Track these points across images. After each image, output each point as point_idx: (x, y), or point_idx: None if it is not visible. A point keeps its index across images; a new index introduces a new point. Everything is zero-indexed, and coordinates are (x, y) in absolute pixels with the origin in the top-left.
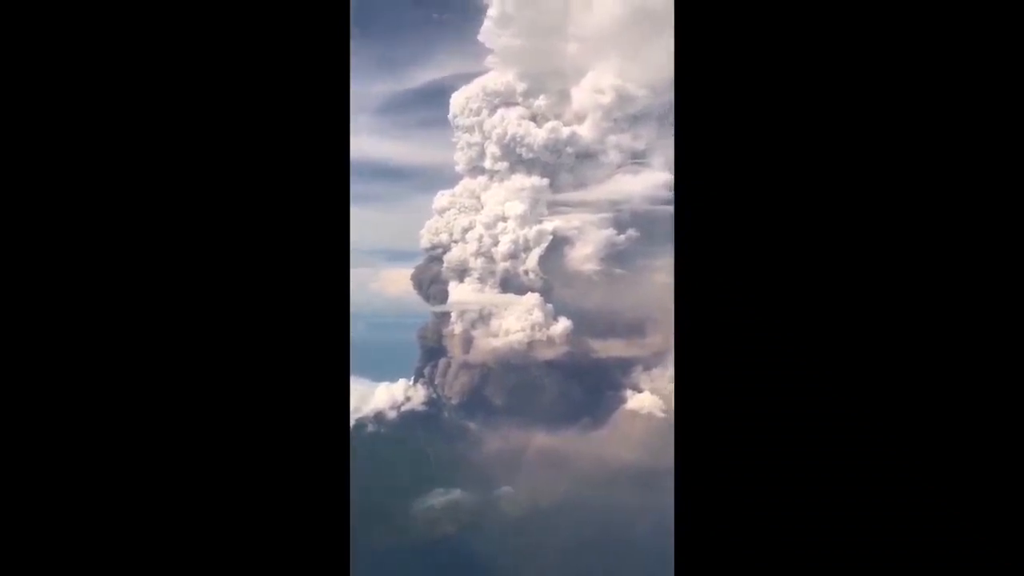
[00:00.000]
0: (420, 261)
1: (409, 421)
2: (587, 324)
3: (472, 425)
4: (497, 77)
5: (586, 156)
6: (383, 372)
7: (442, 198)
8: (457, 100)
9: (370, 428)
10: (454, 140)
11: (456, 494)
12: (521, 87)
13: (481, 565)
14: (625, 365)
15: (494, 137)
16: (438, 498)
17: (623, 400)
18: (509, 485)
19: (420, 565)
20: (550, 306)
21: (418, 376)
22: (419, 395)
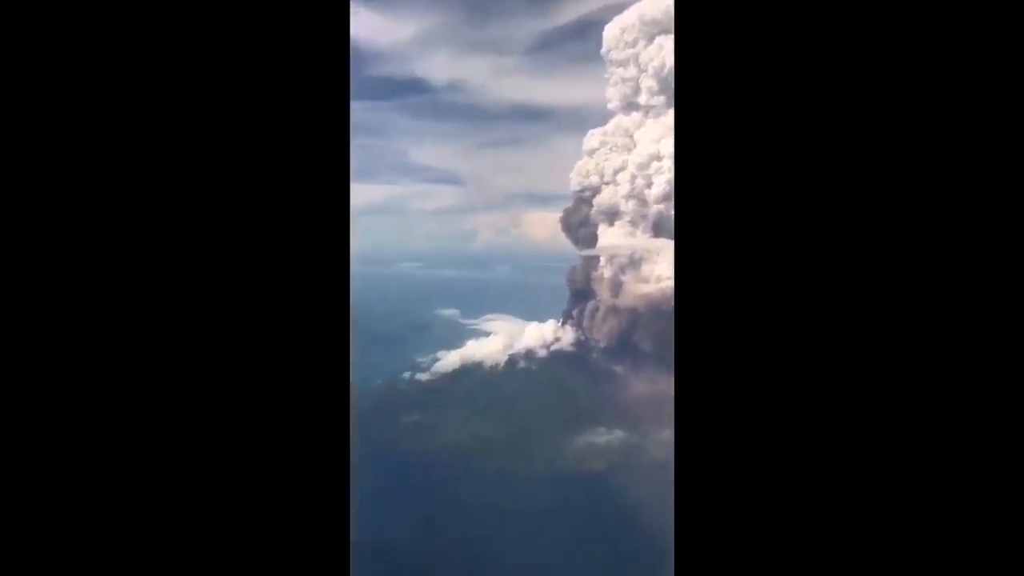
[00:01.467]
0: (568, 204)
1: (558, 360)
2: None
3: (619, 369)
4: (655, 3)
5: None
6: (532, 312)
7: (592, 138)
8: (611, 32)
9: (521, 364)
10: (607, 76)
11: (617, 434)
12: None
13: (621, 501)
14: None
15: (650, 70)
16: (600, 436)
17: None
18: (671, 429)
19: (564, 496)
20: None
21: (566, 318)
22: (568, 336)
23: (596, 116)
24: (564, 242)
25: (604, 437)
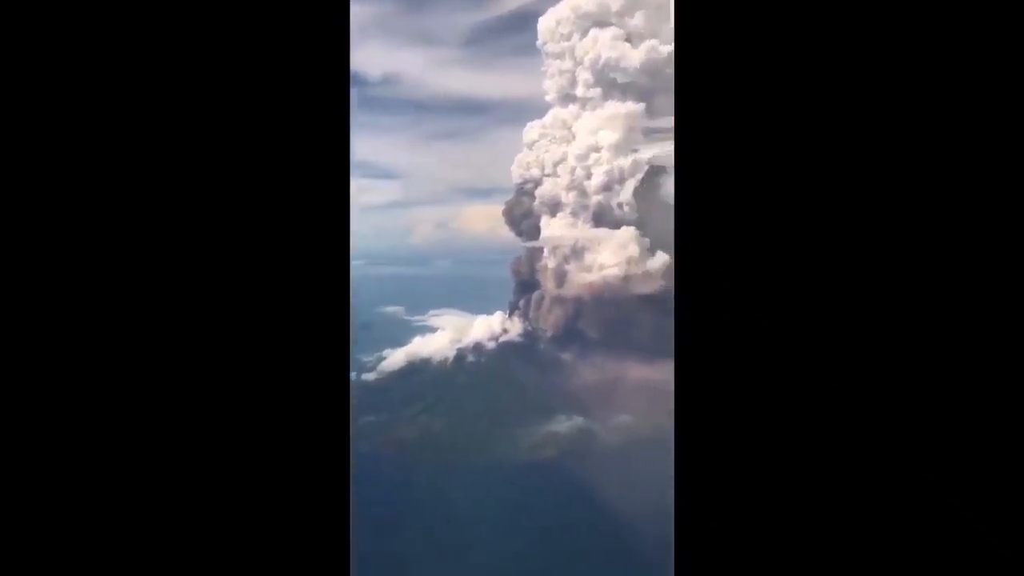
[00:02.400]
0: (510, 196)
1: (506, 352)
2: None
3: (566, 357)
4: None
5: None
6: (478, 306)
7: (531, 130)
8: (546, 25)
9: (470, 358)
10: (543, 68)
11: (578, 421)
12: (616, 5)
13: (579, 488)
14: None
15: (586, 62)
16: (561, 424)
17: None
18: (627, 414)
19: (520, 486)
20: (647, 240)
21: (513, 309)
22: (515, 327)
23: (534, 109)
24: (505, 234)
25: (564, 425)
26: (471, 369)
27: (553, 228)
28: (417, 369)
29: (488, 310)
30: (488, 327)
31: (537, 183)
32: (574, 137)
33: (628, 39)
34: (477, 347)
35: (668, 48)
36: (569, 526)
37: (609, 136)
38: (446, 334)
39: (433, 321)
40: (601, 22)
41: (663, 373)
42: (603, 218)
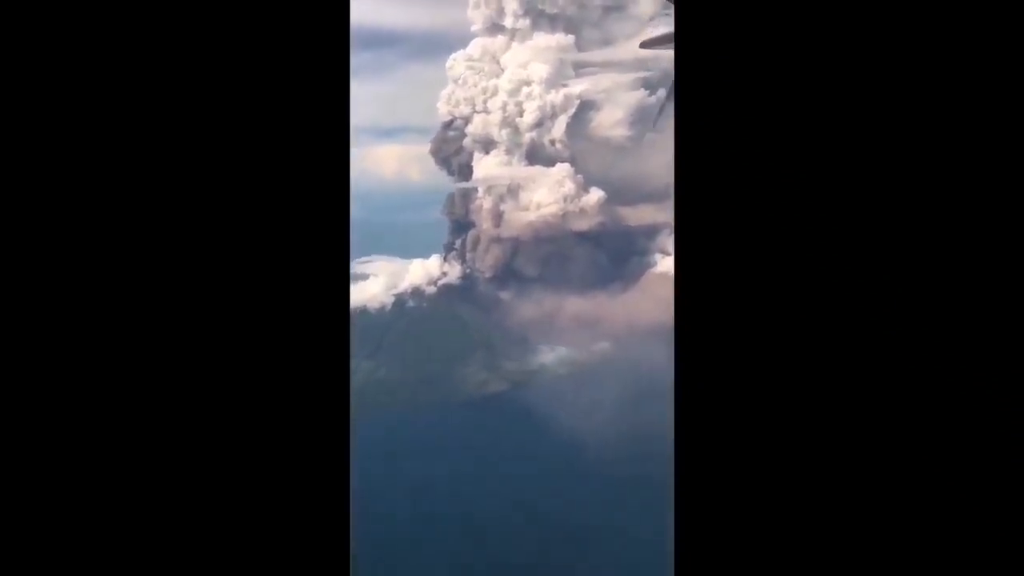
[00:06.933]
0: (423, 135)
1: (448, 295)
2: (619, 192)
3: (505, 296)
4: None
5: (614, 8)
6: (408, 250)
7: (456, 63)
8: None
9: (410, 303)
10: None
11: (561, 352)
12: None
13: (537, 417)
14: (653, 231)
15: None
16: (546, 355)
17: (652, 264)
18: (606, 342)
19: (475, 421)
20: (580, 177)
21: (448, 250)
22: (454, 270)
23: (449, 41)
24: (417, 177)
25: (550, 355)
26: (412, 314)
27: (487, 167)
28: (353, 317)
29: (421, 253)
30: (425, 271)
31: (467, 120)
32: (503, 70)
33: None
34: (416, 292)
35: None
36: (527, 453)
37: (540, 70)
38: (380, 280)
39: (363, 268)
40: None
41: (600, 305)
42: (536, 155)
